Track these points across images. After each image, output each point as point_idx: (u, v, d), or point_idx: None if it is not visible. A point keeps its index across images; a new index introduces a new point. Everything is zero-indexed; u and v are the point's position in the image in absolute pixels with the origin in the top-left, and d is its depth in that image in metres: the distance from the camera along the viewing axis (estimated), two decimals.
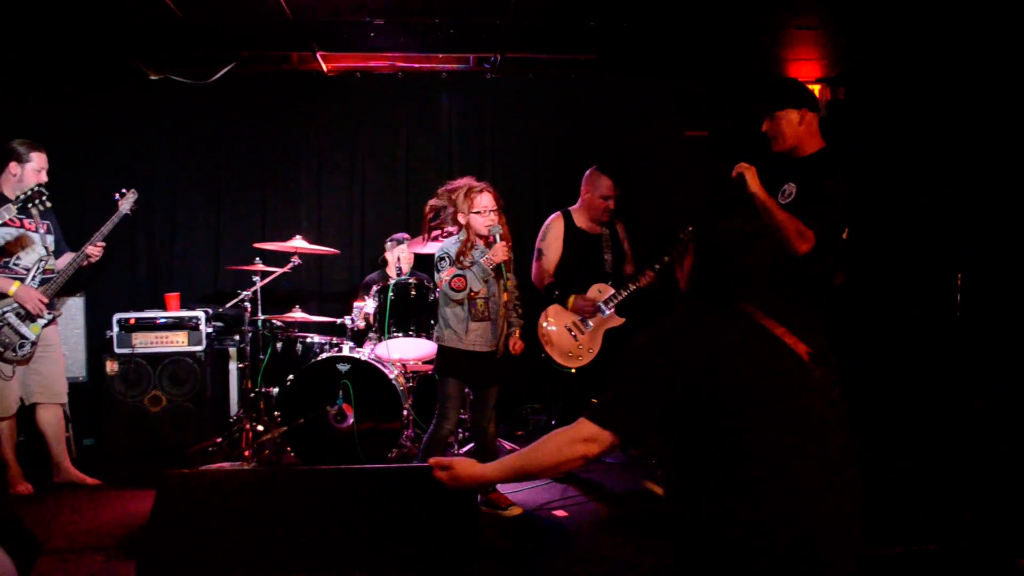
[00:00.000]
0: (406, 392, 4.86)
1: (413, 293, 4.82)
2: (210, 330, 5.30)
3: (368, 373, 4.65)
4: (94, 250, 4.45)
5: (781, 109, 3.34)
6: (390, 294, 4.81)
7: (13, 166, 4.38)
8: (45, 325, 4.39)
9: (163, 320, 5.17)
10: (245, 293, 5.01)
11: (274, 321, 5.10)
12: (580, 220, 4.86)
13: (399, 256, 5.33)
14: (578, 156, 5.22)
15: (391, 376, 4.68)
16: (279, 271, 5.06)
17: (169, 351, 5.17)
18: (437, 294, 4.06)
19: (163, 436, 5.09)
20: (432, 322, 4.68)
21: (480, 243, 3.95)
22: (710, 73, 5.84)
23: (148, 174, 5.86)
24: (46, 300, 4.29)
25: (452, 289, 3.86)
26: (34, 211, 4.16)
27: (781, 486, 1.82)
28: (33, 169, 4.39)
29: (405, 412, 4.72)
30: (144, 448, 5.04)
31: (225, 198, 6.06)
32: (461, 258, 3.88)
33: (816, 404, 1.90)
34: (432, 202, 4.02)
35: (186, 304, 5.41)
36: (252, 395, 5.00)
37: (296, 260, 5.06)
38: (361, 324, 5.08)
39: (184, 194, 6.03)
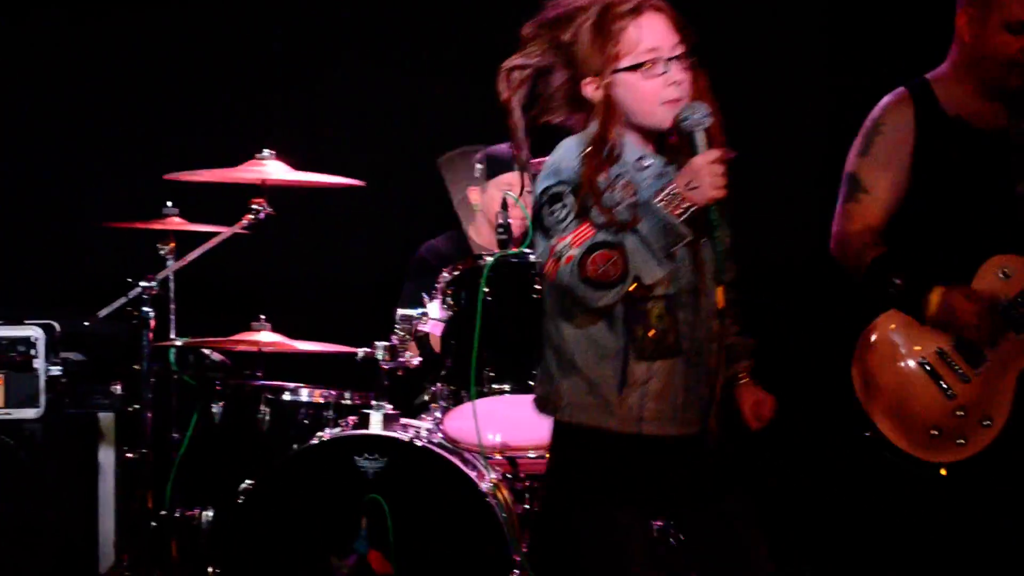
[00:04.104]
0: (516, 523, 3.51)
1: (540, 286, 3.63)
2: (56, 371, 3.79)
3: (430, 478, 3.52)
4: None
5: None
6: (483, 287, 3.51)
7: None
8: None
9: None
10: (140, 286, 3.74)
11: (207, 352, 3.97)
12: (957, 96, 3.50)
13: (503, 198, 3.87)
14: None
15: (484, 486, 3.48)
16: (223, 233, 3.75)
17: None
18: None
19: None
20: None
21: (648, 148, 2.50)
22: None
23: None
24: None
25: (588, 278, 2.63)
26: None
27: None
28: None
29: (516, 573, 3.41)
30: None
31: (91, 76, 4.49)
32: (598, 185, 2.43)
33: None
34: (515, 60, 2.69)
35: (4, 308, 3.91)
36: (153, 523, 3.86)
37: (263, 208, 3.75)
38: (412, 360, 3.67)
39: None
